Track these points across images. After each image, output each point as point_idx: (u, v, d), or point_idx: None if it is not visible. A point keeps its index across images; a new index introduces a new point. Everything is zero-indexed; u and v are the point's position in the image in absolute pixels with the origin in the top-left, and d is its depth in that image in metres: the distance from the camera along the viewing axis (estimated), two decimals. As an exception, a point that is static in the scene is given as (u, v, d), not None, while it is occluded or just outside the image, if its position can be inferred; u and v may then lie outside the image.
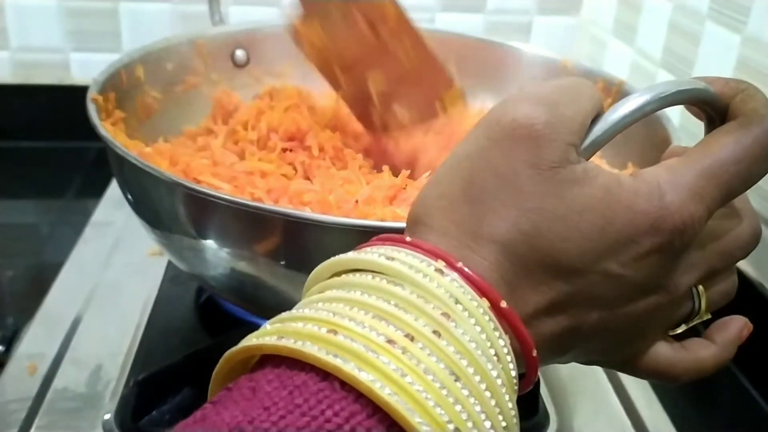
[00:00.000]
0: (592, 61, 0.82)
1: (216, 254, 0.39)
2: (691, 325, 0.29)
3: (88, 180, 0.76)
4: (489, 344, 0.22)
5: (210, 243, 0.38)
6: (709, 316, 0.29)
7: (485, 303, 0.22)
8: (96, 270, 0.58)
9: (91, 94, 0.45)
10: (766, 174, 0.27)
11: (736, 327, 0.30)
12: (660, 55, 0.68)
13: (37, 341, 0.50)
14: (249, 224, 0.36)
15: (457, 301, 0.22)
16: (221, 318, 0.52)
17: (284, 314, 0.23)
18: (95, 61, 0.78)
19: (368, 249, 0.24)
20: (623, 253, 0.24)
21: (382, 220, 0.39)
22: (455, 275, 0.22)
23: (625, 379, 0.50)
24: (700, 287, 0.27)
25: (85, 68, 0.81)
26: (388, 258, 0.23)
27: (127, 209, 0.45)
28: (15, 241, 0.67)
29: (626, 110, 0.25)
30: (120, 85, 0.50)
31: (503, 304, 0.23)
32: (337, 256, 0.24)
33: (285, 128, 0.51)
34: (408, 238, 0.24)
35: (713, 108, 0.27)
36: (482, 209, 0.24)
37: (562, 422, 0.46)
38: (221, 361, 0.22)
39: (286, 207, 0.41)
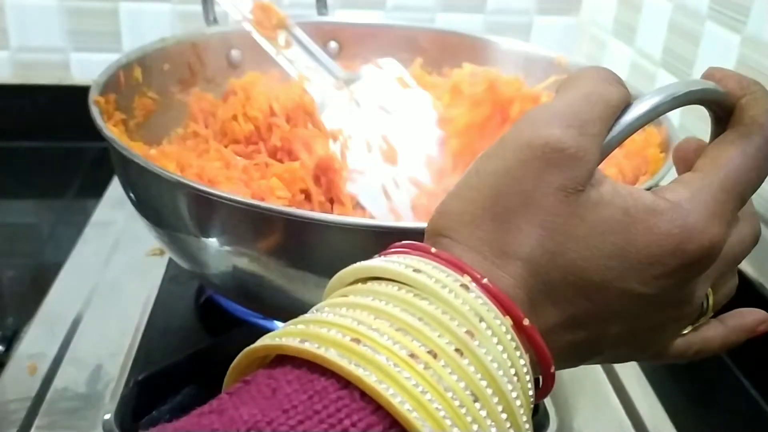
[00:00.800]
0: (591, 61, 0.82)
1: (218, 253, 0.39)
2: (696, 325, 0.29)
3: (88, 180, 0.76)
4: (510, 363, 0.22)
5: (212, 241, 0.38)
6: (712, 314, 0.30)
7: (508, 321, 0.22)
8: (96, 270, 0.58)
9: (93, 96, 0.45)
10: (766, 178, 0.27)
11: (752, 318, 0.31)
12: (660, 55, 0.68)
13: (37, 341, 0.50)
14: (251, 223, 0.36)
15: (481, 319, 0.22)
16: (221, 318, 0.52)
17: (307, 315, 0.23)
18: (95, 61, 0.78)
19: (393, 258, 0.24)
20: (646, 273, 0.24)
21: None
22: (480, 292, 0.23)
23: (625, 379, 0.50)
24: (709, 291, 0.28)
25: (85, 68, 0.81)
26: (414, 270, 0.23)
27: (128, 209, 0.45)
28: (15, 241, 0.67)
29: (640, 111, 0.26)
30: (119, 86, 0.50)
31: (526, 322, 0.23)
32: (362, 262, 0.24)
33: (282, 104, 0.51)
34: (433, 250, 0.24)
35: (721, 107, 0.28)
36: (507, 227, 0.24)
37: (562, 422, 0.46)
38: (240, 356, 0.22)
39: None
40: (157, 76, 0.55)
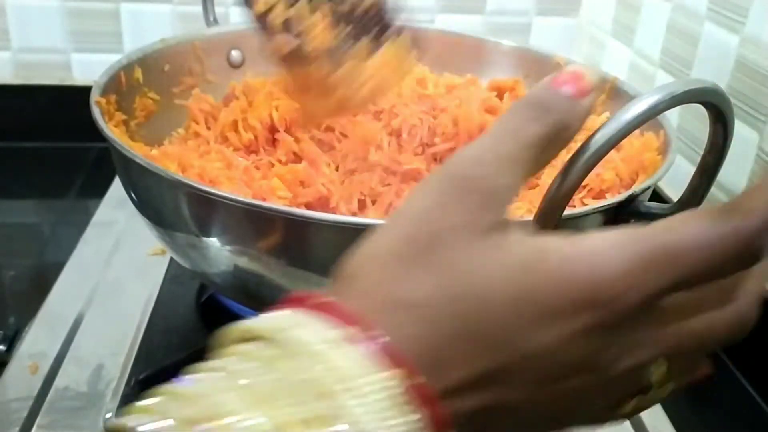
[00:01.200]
0: (591, 61, 0.82)
1: (219, 252, 0.39)
2: (643, 404, 0.26)
3: (89, 180, 0.76)
4: (383, 424, 0.20)
5: (213, 241, 0.39)
6: (670, 389, 0.26)
7: (396, 376, 0.20)
8: (97, 270, 0.58)
9: (95, 97, 0.45)
10: (739, 270, 0.23)
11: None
12: (658, 55, 0.68)
13: (38, 341, 0.50)
14: (252, 223, 0.37)
15: (351, 378, 0.20)
16: (222, 317, 0.52)
17: (169, 388, 0.22)
18: (96, 61, 0.78)
19: (271, 314, 0.22)
20: (549, 327, 0.22)
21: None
22: (361, 347, 0.21)
23: (624, 378, 0.51)
24: (662, 365, 0.25)
25: (86, 69, 0.81)
26: (283, 327, 0.21)
27: (129, 209, 0.45)
28: (17, 241, 0.67)
29: (639, 110, 0.26)
30: (120, 87, 0.50)
31: (418, 379, 0.21)
32: (238, 322, 0.23)
33: (281, 114, 0.51)
34: (323, 299, 0.22)
35: (719, 107, 0.28)
36: (408, 271, 0.22)
37: (561, 421, 0.46)
38: None
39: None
40: (157, 76, 0.55)
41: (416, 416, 0.20)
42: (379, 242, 0.23)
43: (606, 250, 0.22)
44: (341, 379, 0.20)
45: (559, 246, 0.22)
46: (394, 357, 0.21)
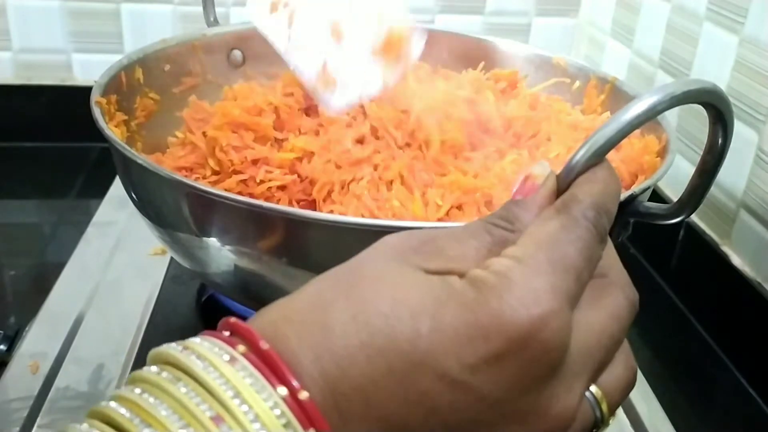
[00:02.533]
0: (590, 62, 0.82)
1: (219, 252, 0.39)
2: None
3: (90, 180, 0.76)
4: None
5: (213, 241, 0.39)
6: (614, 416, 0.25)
7: (282, 392, 0.20)
8: (98, 269, 0.58)
9: (95, 97, 0.45)
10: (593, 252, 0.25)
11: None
12: (658, 56, 0.68)
13: (39, 340, 0.50)
14: (251, 222, 0.37)
15: (237, 395, 0.20)
16: (222, 317, 0.52)
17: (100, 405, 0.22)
18: (97, 61, 0.78)
19: (188, 341, 0.23)
20: (462, 359, 0.21)
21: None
22: (246, 362, 0.21)
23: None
24: (596, 392, 0.24)
25: (87, 69, 0.81)
26: (184, 348, 0.22)
27: (129, 209, 0.46)
28: (17, 240, 0.67)
29: (639, 110, 0.26)
30: (120, 87, 0.50)
31: (302, 395, 0.20)
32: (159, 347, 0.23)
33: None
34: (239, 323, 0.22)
35: (718, 108, 0.28)
36: (332, 298, 0.22)
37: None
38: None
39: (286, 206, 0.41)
40: (158, 76, 0.55)
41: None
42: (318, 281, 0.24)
43: (510, 272, 0.22)
44: (215, 404, 0.20)
45: (457, 280, 0.23)
46: (275, 371, 0.21)
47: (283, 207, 0.37)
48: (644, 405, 0.49)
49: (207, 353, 0.21)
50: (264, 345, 0.21)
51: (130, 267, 0.59)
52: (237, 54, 0.61)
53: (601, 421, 0.24)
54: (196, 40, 0.58)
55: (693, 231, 0.60)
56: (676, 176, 0.47)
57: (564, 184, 0.26)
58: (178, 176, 0.37)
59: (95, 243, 0.62)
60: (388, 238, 0.25)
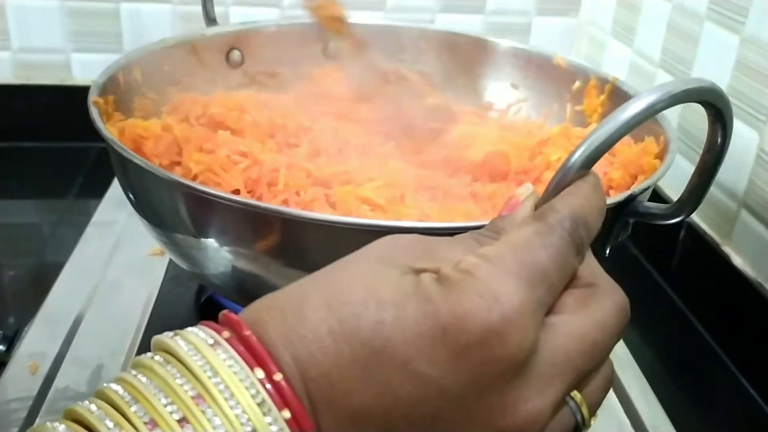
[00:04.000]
0: (590, 61, 0.82)
1: (217, 253, 0.39)
2: None
3: (89, 180, 0.76)
4: (249, 425, 0.21)
5: (211, 242, 0.39)
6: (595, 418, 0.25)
7: (257, 375, 0.21)
8: (97, 270, 0.58)
9: (92, 97, 0.45)
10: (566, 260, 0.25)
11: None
12: (659, 55, 0.68)
13: (38, 340, 0.50)
14: (249, 223, 0.37)
15: (216, 375, 0.21)
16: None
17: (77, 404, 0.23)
18: (96, 61, 0.78)
19: (186, 329, 0.24)
20: (432, 352, 0.22)
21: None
22: (227, 346, 0.22)
23: (624, 378, 0.51)
24: (577, 396, 0.24)
25: (86, 69, 0.81)
26: (175, 335, 0.23)
27: (128, 209, 0.45)
28: (16, 241, 0.67)
29: (637, 109, 0.26)
30: (118, 87, 0.50)
31: (277, 377, 0.21)
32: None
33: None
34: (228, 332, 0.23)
35: (718, 107, 0.28)
36: (309, 290, 0.24)
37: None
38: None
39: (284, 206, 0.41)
40: (156, 76, 0.55)
41: (277, 419, 0.21)
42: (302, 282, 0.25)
43: (478, 268, 0.23)
44: (197, 384, 0.21)
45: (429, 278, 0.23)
46: (255, 355, 0.22)
47: (281, 207, 0.37)
48: (644, 405, 0.48)
49: (194, 339, 0.22)
50: (245, 331, 0.22)
51: (129, 267, 0.59)
52: (236, 54, 0.60)
53: (583, 424, 0.24)
54: (195, 40, 0.58)
55: (694, 231, 0.60)
56: (676, 176, 0.47)
57: (563, 183, 0.26)
58: (176, 176, 0.37)
59: (94, 243, 0.62)
60: (382, 239, 0.26)
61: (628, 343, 0.54)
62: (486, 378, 0.22)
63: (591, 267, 0.26)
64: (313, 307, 0.22)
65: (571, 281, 0.25)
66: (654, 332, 0.57)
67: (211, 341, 0.22)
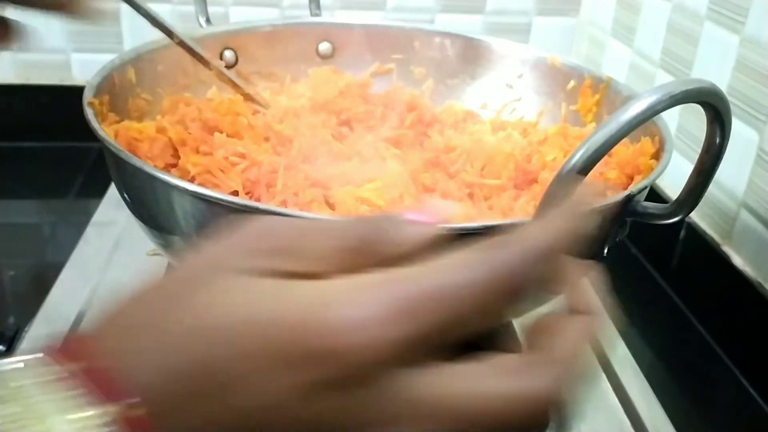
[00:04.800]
0: (590, 61, 0.82)
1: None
2: None
3: (89, 180, 0.76)
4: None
5: (208, 243, 0.38)
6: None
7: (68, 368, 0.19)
8: (97, 270, 0.58)
9: (87, 98, 0.45)
10: (505, 308, 0.20)
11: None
12: (659, 55, 0.68)
13: (38, 340, 0.50)
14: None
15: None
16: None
17: None
18: (96, 61, 0.77)
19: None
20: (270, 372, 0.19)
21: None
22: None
23: (624, 378, 0.51)
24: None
25: (86, 69, 0.81)
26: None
27: (128, 210, 0.45)
28: (17, 241, 0.67)
29: (637, 110, 0.26)
30: (113, 87, 0.50)
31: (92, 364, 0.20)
32: None
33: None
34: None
35: (716, 107, 0.28)
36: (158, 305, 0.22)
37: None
38: None
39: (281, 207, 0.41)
40: (150, 77, 0.55)
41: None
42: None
43: (352, 296, 0.19)
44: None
45: (304, 290, 0.20)
46: (69, 351, 0.20)
47: (279, 208, 0.37)
48: (644, 405, 0.48)
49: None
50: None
51: (129, 267, 0.58)
52: (229, 54, 0.60)
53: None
54: (189, 40, 0.58)
55: (694, 231, 0.60)
56: (676, 176, 0.47)
57: (563, 184, 0.26)
58: (172, 177, 0.37)
59: (94, 243, 0.62)
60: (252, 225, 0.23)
61: (628, 343, 0.54)
62: (312, 387, 0.19)
63: (564, 330, 0.21)
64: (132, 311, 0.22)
65: (513, 344, 0.21)
66: (654, 332, 0.57)
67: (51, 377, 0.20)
